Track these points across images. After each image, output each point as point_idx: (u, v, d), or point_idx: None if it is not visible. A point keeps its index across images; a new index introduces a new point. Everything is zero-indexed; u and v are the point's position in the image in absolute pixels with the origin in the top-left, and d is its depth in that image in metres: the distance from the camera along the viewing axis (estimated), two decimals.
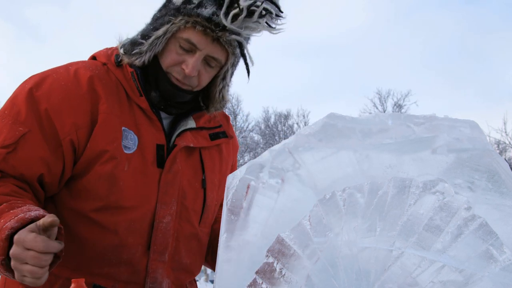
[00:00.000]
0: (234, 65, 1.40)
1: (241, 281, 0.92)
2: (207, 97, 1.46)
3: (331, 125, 0.95)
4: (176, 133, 1.37)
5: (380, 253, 0.77)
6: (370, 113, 1.16)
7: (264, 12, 1.29)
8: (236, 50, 1.34)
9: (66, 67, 1.31)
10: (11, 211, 1.07)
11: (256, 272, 0.85)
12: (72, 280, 0.91)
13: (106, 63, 1.34)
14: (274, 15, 1.32)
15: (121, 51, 1.32)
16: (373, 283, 0.77)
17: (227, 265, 0.94)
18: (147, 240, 1.29)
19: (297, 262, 0.82)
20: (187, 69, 1.29)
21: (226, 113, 1.59)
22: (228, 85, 1.44)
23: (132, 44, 1.31)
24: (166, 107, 1.36)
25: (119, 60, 1.33)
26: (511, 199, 0.83)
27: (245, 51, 1.37)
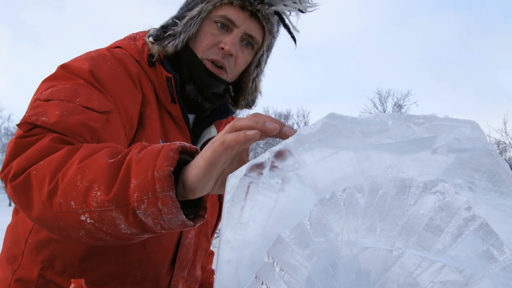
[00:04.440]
0: (270, 49, 1.34)
1: (241, 281, 0.92)
2: (238, 90, 1.40)
3: (331, 125, 0.95)
4: (202, 142, 1.32)
5: (380, 253, 0.77)
6: (370, 113, 1.16)
7: None
8: (273, 28, 1.29)
9: (111, 55, 1.19)
10: (159, 145, 0.85)
11: (256, 272, 0.85)
12: (72, 280, 0.91)
13: (139, 60, 1.25)
14: None
15: (150, 39, 1.24)
16: (373, 283, 0.77)
17: (227, 265, 0.94)
18: (172, 256, 1.25)
19: (297, 262, 0.82)
20: (226, 45, 1.22)
21: None
22: (262, 73, 1.38)
23: (163, 27, 1.23)
24: (202, 100, 1.27)
25: (153, 60, 1.25)
26: (511, 199, 0.83)
27: (287, 21, 1.30)
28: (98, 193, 0.79)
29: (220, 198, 1.37)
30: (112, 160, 0.80)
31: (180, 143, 0.81)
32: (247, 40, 1.27)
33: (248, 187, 0.96)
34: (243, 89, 1.39)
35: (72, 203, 0.81)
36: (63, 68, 1.11)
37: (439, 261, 0.73)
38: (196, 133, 1.33)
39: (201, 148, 1.30)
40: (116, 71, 1.15)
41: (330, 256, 0.81)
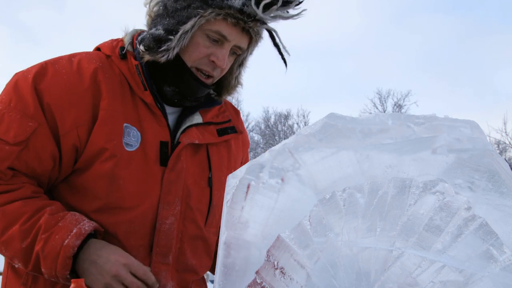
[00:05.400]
0: (252, 52, 1.40)
1: (241, 281, 0.92)
2: (220, 85, 1.44)
3: (331, 125, 0.95)
4: (181, 129, 1.33)
5: (380, 253, 0.77)
6: (370, 113, 1.16)
7: (298, 2, 1.28)
8: (260, 38, 1.34)
9: (69, 58, 1.27)
10: (59, 224, 1.13)
11: (256, 272, 0.86)
12: (72, 280, 0.91)
13: (110, 55, 1.30)
14: (297, 3, 1.30)
15: (141, 48, 1.27)
16: (373, 283, 0.77)
17: (227, 265, 0.94)
18: (149, 242, 1.26)
19: (297, 262, 0.82)
20: (218, 61, 1.27)
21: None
22: (244, 71, 1.44)
23: (156, 41, 1.26)
24: (180, 100, 1.32)
25: (123, 52, 1.30)
26: (511, 199, 0.83)
27: (278, 41, 1.35)
28: (19, 264, 1.15)
29: (210, 183, 1.37)
30: (24, 245, 1.12)
31: (73, 248, 1.11)
32: (234, 50, 1.33)
33: (248, 187, 0.97)
34: (226, 85, 1.43)
35: (4, 256, 1.19)
36: (14, 83, 1.23)
37: (439, 261, 0.73)
38: (179, 120, 1.36)
39: (182, 133, 1.31)
40: (60, 73, 1.22)
41: (330, 256, 0.81)
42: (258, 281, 0.84)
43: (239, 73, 1.43)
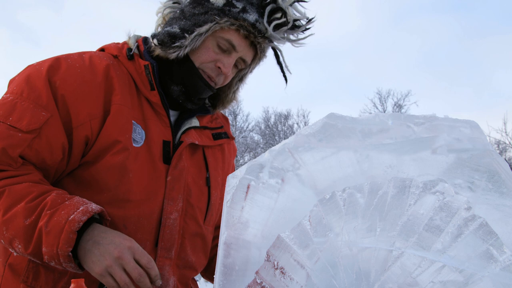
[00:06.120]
0: (253, 70, 1.48)
1: (241, 281, 0.92)
2: (217, 97, 1.51)
3: (331, 125, 0.95)
4: (182, 130, 1.39)
5: (380, 253, 0.77)
6: (370, 113, 1.17)
7: (306, 28, 1.38)
8: (264, 56, 1.43)
9: (80, 54, 1.31)
10: (65, 202, 1.10)
11: (256, 272, 0.86)
12: (72, 280, 0.91)
13: (117, 55, 1.35)
14: (304, 29, 1.40)
15: (155, 41, 1.33)
16: (373, 283, 0.77)
17: (227, 265, 0.94)
18: (155, 236, 1.29)
19: (297, 262, 0.82)
20: (224, 68, 1.34)
21: (226, 112, 1.62)
22: (242, 87, 1.52)
23: (171, 37, 1.32)
24: (184, 101, 1.37)
25: (131, 53, 1.34)
26: (511, 199, 0.83)
27: (281, 60, 1.44)
28: (19, 246, 1.10)
29: (208, 182, 1.44)
30: (28, 222, 1.08)
31: (79, 222, 1.07)
32: (239, 62, 1.41)
33: (248, 187, 0.97)
34: (222, 98, 1.50)
35: (2, 241, 1.13)
36: (27, 75, 1.24)
37: (439, 261, 0.73)
38: (178, 122, 1.43)
39: (182, 134, 1.36)
40: (73, 67, 1.24)
41: (330, 256, 0.81)
42: (258, 281, 0.84)
43: (237, 88, 1.51)
